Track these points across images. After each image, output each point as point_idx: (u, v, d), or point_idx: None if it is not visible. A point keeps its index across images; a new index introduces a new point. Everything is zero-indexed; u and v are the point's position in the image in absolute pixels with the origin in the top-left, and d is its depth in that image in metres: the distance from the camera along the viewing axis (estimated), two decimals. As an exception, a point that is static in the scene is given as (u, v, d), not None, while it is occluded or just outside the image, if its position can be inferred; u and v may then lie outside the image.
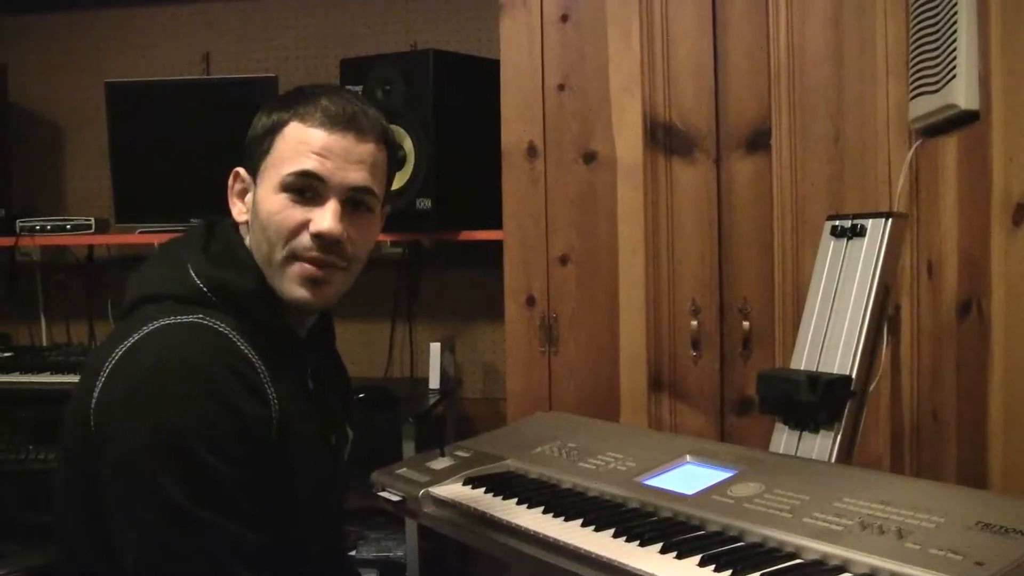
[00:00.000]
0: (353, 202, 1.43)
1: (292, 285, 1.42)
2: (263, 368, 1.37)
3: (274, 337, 1.43)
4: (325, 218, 1.40)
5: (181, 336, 1.34)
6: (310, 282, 1.42)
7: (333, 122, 1.41)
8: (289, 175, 1.40)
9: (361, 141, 1.43)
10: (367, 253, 1.49)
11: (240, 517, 1.30)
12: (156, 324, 1.35)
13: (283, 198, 1.40)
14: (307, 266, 1.41)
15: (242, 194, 1.49)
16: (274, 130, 1.43)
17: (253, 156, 1.46)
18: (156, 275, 1.46)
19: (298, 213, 1.40)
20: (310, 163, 1.40)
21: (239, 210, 1.49)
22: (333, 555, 1.59)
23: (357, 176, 1.42)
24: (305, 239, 1.40)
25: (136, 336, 1.34)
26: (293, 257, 1.41)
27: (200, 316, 1.37)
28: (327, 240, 1.40)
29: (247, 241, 1.47)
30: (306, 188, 1.40)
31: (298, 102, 1.43)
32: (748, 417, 2.56)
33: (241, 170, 1.49)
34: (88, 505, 1.34)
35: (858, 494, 1.38)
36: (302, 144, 1.40)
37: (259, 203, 1.43)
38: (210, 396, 1.29)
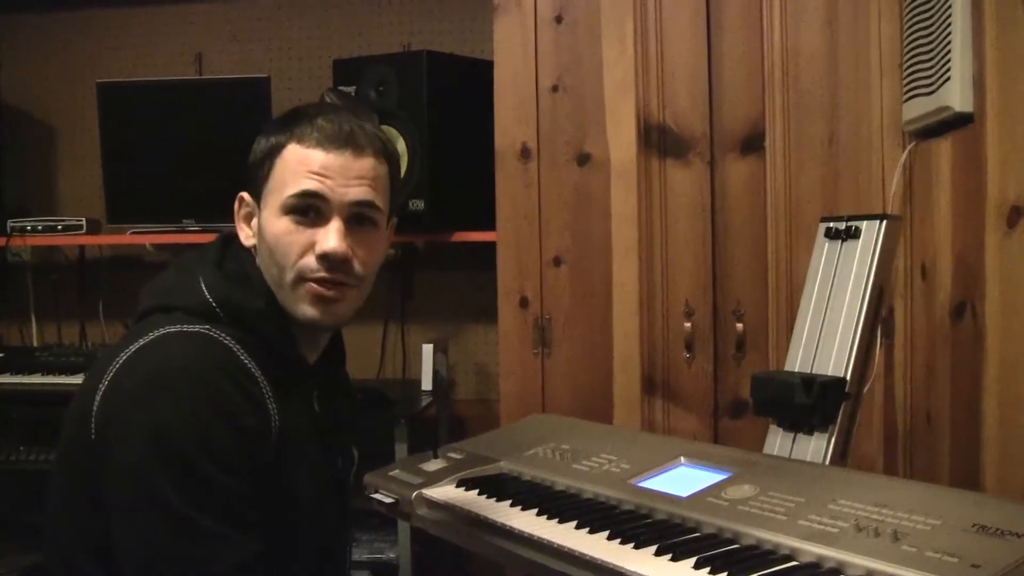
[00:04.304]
0: (357, 218, 1.43)
1: (303, 305, 1.42)
2: (266, 383, 1.38)
3: (281, 357, 1.43)
4: (329, 238, 1.39)
5: (185, 344, 1.35)
6: (320, 301, 1.42)
7: (330, 141, 1.41)
8: (290, 197, 1.40)
9: (359, 157, 1.42)
10: (376, 269, 1.49)
11: (238, 526, 1.29)
12: (162, 331, 1.36)
13: (287, 221, 1.40)
14: (316, 287, 1.41)
15: (248, 218, 1.48)
16: (273, 153, 1.43)
17: (255, 180, 1.45)
18: (169, 286, 1.46)
19: (303, 236, 1.40)
20: (310, 183, 1.39)
21: (246, 234, 1.48)
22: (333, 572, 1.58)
23: (357, 192, 1.42)
24: (311, 260, 1.40)
25: (142, 341, 1.35)
26: (302, 279, 1.41)
27: (207, 327, 1.37)
28: (333, 259, 1.40)
29: (257, 262, 1.47)
30: (308, 209, 1.40)
31: (295, 124, 1.43)
32: (741, 420, 2.56)
33: (245, 195, 1.48)
34: (82, 507, 1.34)
35: (853, 496, 1.37)
36: (300, 165, 1.40)
37: (264, 227, 1.43)
38: (210, 404, 1.30)
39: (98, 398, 1.32)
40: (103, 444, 1.30)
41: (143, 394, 1.30)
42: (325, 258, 1.40)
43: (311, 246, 1.40)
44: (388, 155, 1.49)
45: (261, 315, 1.42)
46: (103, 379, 1.33)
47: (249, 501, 1.31)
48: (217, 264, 1.46)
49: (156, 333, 1.36)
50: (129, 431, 1.28)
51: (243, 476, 1.31)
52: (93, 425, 1.31)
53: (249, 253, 1.48)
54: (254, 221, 1.47)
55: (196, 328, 1.37)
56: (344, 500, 1.60)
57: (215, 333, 1.37)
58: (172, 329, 1.36)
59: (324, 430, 1.51)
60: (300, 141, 1.41)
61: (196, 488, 1.26)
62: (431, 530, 1.73)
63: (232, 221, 1.51)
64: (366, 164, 1.43)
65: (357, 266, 1.43)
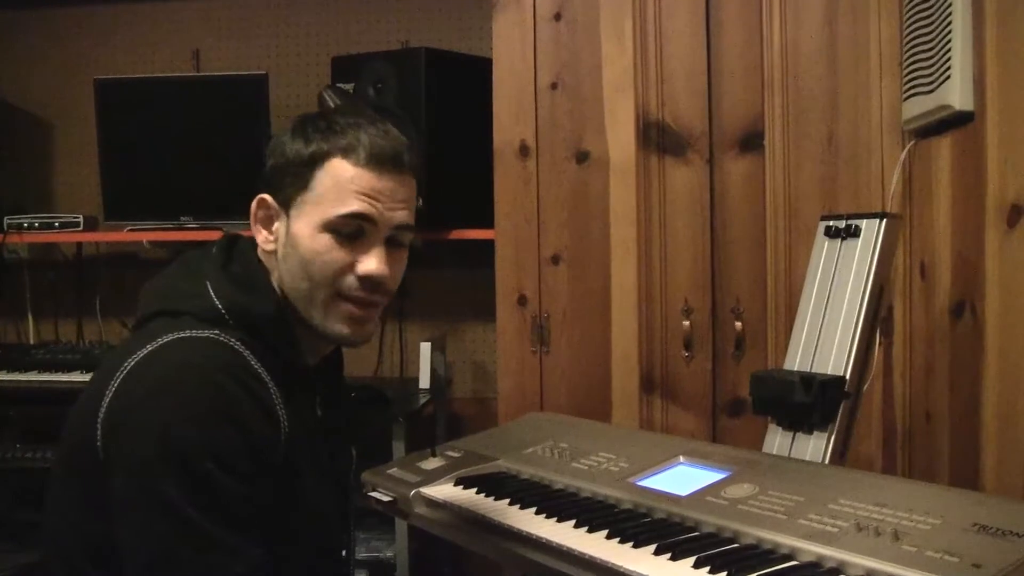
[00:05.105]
0: (394, 240, 1.43)
1: (336, 323, 1.42)
2: (275, 390, 1.37)
3: (286, 363, 1.42)
4: (372, 261, 1.39)
5: (197, 350, 1.33)
6: (353, 320, 1.42)
7: (379, 161, 1.39)
8: (338, 216, 1.38)
9: (404, 180, 1.42)
10: (399, 282, 1.48)
11: (243, 530, 1.29)
12: (173, 336, 1.34)
13: (327, 238, 1.39)
14: (352, 307, 1.41)
15: (267, 221, 1.45)
16: (313, 163, 1.40)
17: (283, 185, 1.42)
18: (175, 290, 1.44)
19: (344, 255, 1.39)
20: (360, 205, 1.38)
21: (264, 238, 1.45)
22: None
23: (401, 216, 1.42)
24: (351, 280, 1.40)
25: (152, 346, 1.33)
26: (338, 296, 1.40)
27: (217, 332, 1.36)
28: (374, 281, 1.40)
29: (275, 273, 1.45)
30: (353, 229, 1.39)
31: (338, 134, 1.40)
32: (740, 418, 2.56)
33: (268, 197, 1.44)
34: (82, 509, 1.33)
35: (853, 496, 1.37)
36: (349, 183, 1.38)
37: (297, 239, 1.40)
38: (221, 411, 1.29)
39: (105, 402, 1.31)
40: (109, 448, 1.29)
41: (153, 399, 1.28)
42: (367, 279, 1.39)
43: (351, 266, 1.39)
44: (420, 170, 1.48)
45: (268, 321, 1.40)
46: (111, 383, 1.32)
47: (254, 505, 1.31)
48: (223, 267, 1.44)
49: (166, 338, 1.34)
50: (137, 434, 1.27)
51: (249, 480, 1.30)
52: (99, 429, 1.30)
53: (255, 255, 1.47)
54: (276, 226, 1.44)
55: (206, 333, 1.35)
56: (345, 501, 1.59)
57: (224, 338, 1.35)
58: (182, 334, 1.35)
59: (326, 432, 1.50)
60: (347, 156, 1.39)
61: (201, 491, 1.25)
62: (429, 529, 1.73)
63: (237, 219, 1.49)
64: (410, 188, 1.43)
65: (389, 284, 1.43)
